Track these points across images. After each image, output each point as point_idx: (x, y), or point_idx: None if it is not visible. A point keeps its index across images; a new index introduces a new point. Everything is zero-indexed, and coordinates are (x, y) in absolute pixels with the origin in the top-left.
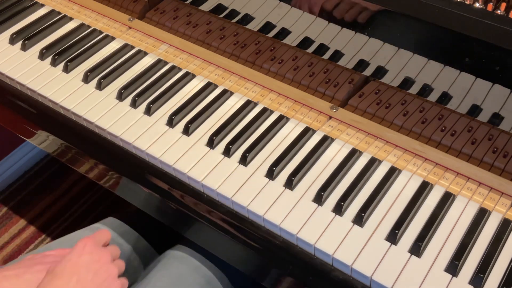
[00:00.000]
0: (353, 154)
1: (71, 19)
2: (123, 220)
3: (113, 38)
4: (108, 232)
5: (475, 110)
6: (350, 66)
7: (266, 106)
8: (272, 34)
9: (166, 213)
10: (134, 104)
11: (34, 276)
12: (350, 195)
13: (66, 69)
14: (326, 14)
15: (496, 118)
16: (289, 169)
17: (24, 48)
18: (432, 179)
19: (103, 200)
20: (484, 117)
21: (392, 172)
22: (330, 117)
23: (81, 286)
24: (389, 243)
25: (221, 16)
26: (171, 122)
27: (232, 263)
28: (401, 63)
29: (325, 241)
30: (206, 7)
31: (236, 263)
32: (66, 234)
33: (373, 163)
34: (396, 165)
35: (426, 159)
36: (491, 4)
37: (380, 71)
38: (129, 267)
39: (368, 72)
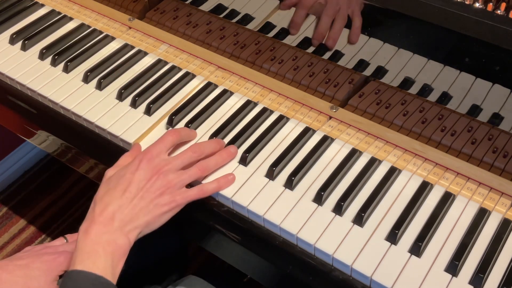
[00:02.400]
0: (353, 154)
1: (71, 19)
2: None
3: (113, 38)
4: (175, 135)
5: (475, 110)
6: (350, 66)
7: (266, 106)
8: (272, 34)
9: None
10: (134, 104)
11: (44, 265)
12: (350, 195)
13: (66, 69)
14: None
15: (496, 118)
16: (289, 169)
17: (24, 48)
18: (432, 179)
19: None
20: (484, 117)
21: (392, 172)
22: (330, 117)
23: (129, 203)
24: (389, 243)
25: (221, 16)
26: (171, 122)
27: (232, 263)
28: (401, 63)
29: (325, 241)
30: (206, 7)
31: (236, 263)
32: (66, 234)
33: (373, 163)
34: (396, 165)
35: (426, 159)
36: (491, 4)
37: (380, 71)
38: (137, 276)
39: (368, 72)
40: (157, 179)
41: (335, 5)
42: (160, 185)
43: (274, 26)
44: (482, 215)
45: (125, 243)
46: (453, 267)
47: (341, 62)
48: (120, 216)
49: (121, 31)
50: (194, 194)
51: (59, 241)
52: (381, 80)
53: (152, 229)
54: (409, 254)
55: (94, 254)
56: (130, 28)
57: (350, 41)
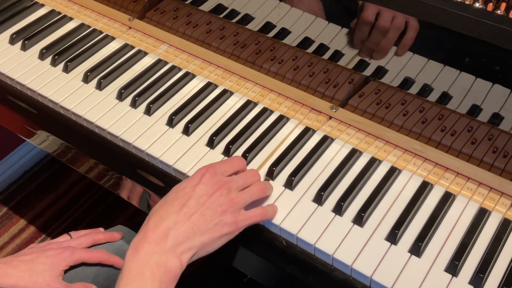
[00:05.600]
0: (353, 154)
1: (71, 19)
2: (132, 228)
3: (113, 38)
4: (243, 163)
5: (475, 110)
6: (350, 66)
7: (266, 106)
8: (272, 34)
9: None
10: (134, 104)
11: (48, 260)
12: (350, 195)
13: (66, 69)
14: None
15: (496, 118)
16: (289, 169)
17: (24, 48)
18: (432, 179)
19: (103, 200)
20: (484, 117)
21: (392, 172)
22: (330, 117)
23: (186, 219)
24: (389, 243)
25: (221, 16)
26: (171, 122)
27: (232, 263)
28: (401, 63)
29: (325, 241)
30: (206, 7)
31: (236, 263)
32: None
33: (373, 163)
34: (396, 165)
35: (426, 159)
36: (491, 4)
37: (380, 71)
38: None
39: (368, 72)
40: (220, 195)
41: (388, 15)
42: (222, 202)
43: (274, 26)
44: (482, 215)
45: (176, 267)
46: (453, 267)
47: (341, 62)
48: (175, 234)
49: (121, 31)
50: (256, 215)
51: (63, 237)
52: (381, 80)
53: (207, 253)
54: (409, 254)
55: (140, 278)
56: (130, 28)
57: (398, 54)
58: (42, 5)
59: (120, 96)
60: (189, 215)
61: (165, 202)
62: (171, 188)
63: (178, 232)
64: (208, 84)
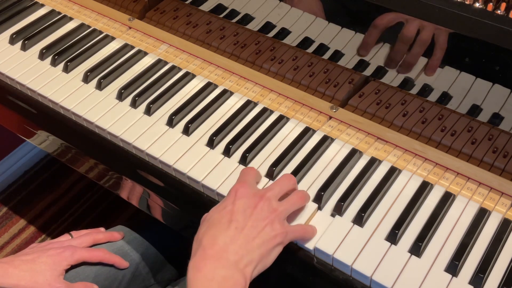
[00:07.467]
0: (353, 154)
1: (71, 19)
2: (132, 228)
3: (113, 38)
4: (254, 170)
5: (475, 110)
6: (350, 66)
7: (266, 106)
8: (272, 34)
9: (169, 215)
10: (134, 104)
11: (49, 259)
12: (350, 195)
13: (66, 69)
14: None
15: (496, 118)
16: (289, 169)
17: (24, 48)
18: (432, 179)
19: (103, 200)
20: (484, 117)
21: (392, 172)
22: (330, 117)
23: (239, 233)
24: (389, 243)
25: (221, 16)
26: (171, 122)
27: None
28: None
29: (325, 241)
30: (206, 7)
31: None
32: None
33: (373, 163)
34: (396, 165)
35: (426, 159)
36: (491, 4)
37: (380, 71)
38: (138, 275)
39: (368, 72)
40: (263, 206)
41: (413, 27)
42: (268, 212)
43: (274, 26)
44: (482, 215)
45: (241, 282)
46: (453, 267)
47: (341, 62)
48: (235, 249)
49: (121, 31)
50: (298, 230)
51: (64, 237)
52: (381, 80)
53: (264, 267)
54: (409, 254)
55: None
56: (130, 28)
57: (426, 73)
58: (42, 5)
59: (120, 96)
60: (241, 229)
61: (211, 223)
62: (203, 216)
63: (236, 246)
64: (208, 84)
